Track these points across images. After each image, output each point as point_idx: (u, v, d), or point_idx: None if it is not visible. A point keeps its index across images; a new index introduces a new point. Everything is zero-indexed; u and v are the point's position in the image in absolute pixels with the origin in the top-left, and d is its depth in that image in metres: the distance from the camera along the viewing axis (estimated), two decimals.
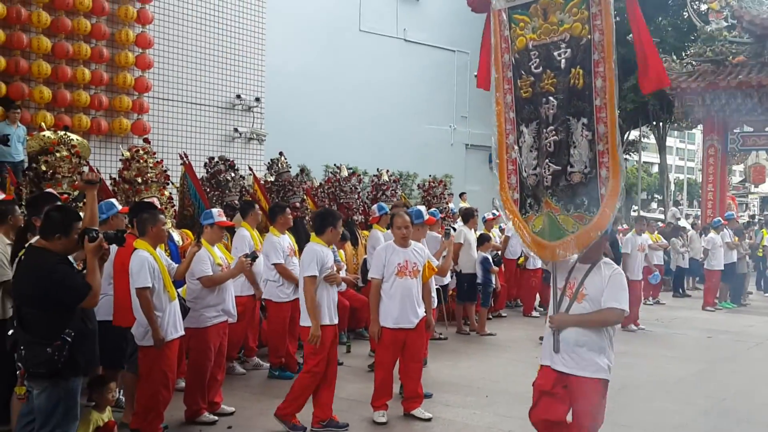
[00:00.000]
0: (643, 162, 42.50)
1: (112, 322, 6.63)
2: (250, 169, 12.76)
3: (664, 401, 8.12)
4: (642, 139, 37.53)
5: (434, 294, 8.24)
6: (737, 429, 7.29)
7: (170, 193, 9.44)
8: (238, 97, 17.16)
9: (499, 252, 13.36)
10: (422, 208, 8.79)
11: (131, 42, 14.61)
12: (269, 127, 17.85)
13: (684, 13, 26.95)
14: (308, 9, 21.39)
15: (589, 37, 4.67)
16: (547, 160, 4.95)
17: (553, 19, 4.85)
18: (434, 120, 25.80)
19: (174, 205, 9.63)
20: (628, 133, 32.84)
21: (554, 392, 4.96)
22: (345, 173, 12.66)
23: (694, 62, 22.32)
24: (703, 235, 17.61)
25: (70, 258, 4.85)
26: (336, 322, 6.91)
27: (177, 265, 6.73)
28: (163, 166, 9.23)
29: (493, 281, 12.30)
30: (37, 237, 4.90)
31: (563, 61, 4.81)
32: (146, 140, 10.31)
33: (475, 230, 12.73)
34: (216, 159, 10.66)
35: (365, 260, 10.72)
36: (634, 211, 35.17)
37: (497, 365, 9.74)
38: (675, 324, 14.03)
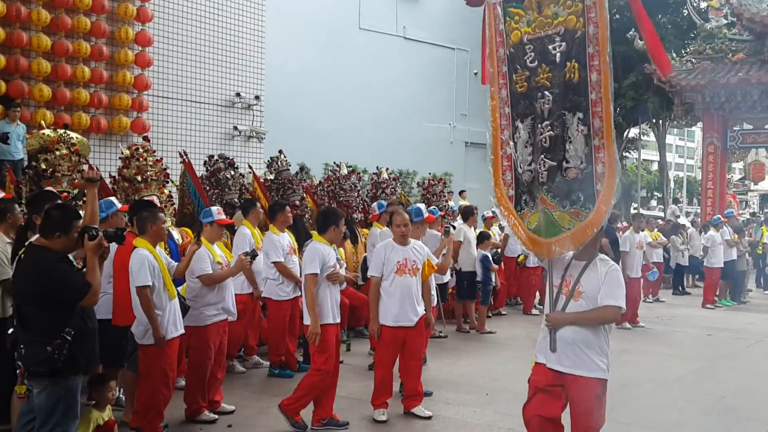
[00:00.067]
0: (643, 159, 42.52)
1: (112, 321, 6.63)
2: (250, 167, 12.76)
3: (664, 399, 8.12)
4: (641, 137, 37.52)
5: (434, 292, 8.24)
6: (737, 427, 7.29)
7: (170, 192, 9.43)
8: (238, 95, 17.16)
9: (499, 250, 13.36)
10: (422, 206, 8.80)
11: (131, 40, 14.61)
12: (269, 125, 17.85)
13: (684, 11, 26.96)
14: (308, 7, 21.39)
15: (584, 30, 4.62)
16: (542, 156, 4.89)
17: (548, 12, 4.79)
18: (434, 118, 25.80)
19: (174, 204, 9.62)
20: (627, 130, 32.82)
21: (550, 389, 4.89)
22: (344, 171, 12.66)
23: (693, 60, 22.33)
24: (703, 233, 17.61)
25: (70, 256, 4.84)
26: (339, 320, 6.91)
27: (177, 263, 6.72)
28: (162, 165, 9.22)
29: (493, 279, 12.30)
30: (36, 235, 4.90)
31: (558, 54, 4.75)
32: (146, 138, 10.34)
33: (475, 228, 12.73)
34: (216, 157, 10.64)
35: (365, 258, 10.72)
36: (634, 208, 35.16)
37: (497, 363, 9.74)
38: (675, 322, 14.03)
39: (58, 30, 13.43)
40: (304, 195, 11.63)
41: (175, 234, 8.71)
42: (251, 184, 11.37)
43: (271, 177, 11.50)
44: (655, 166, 53.47)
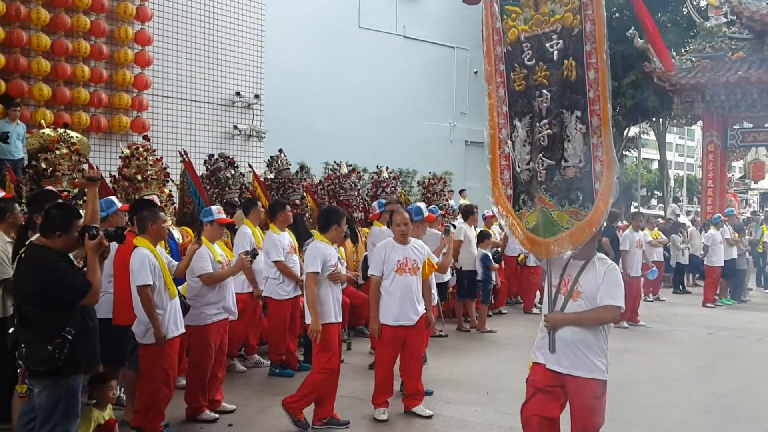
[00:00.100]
0: (643, 158, 42.54)
1: (112, 320, 6.62)
2: (250, 166, 12.76)
3: (664, 398, 8.12)
4: (642, 136, 37.57)
5: (434, 291, 8.23)
6: (738, 425, 7.28)
7: (170, 191, 9.43)
8: (238, 94, 17.17)
9: (499, 249, 13.36)
10: (422, 205, 8.79)
11: (130, 39, 14.62)
12: (269, 124, 17.86)
13: (683, 10, 26.96)
14: (308, 6, 21.40)
15: (581, 27, 4.56)
16: (540, 155, 4.84)
17: (545, 10, 4.74)
18: (434, 117, 25.81)
19: (174, 203, 9.62)
20: (627, 129, 32.86)
21: (549, 390, 4.85)
22: (345, 170, 12.65)
23: (693, 58, 22.32)
24: (703, 232, 17.61)
25: (71, 256, 4.84)
26: (340, 320, 6.92)
27: (177, 262, 6.72)
28: (162, 164, 9.22)
29: (494, 278, 12.29)
30: (37, 235, 4.90)
31: (555, 52, 4.70)
32: (146, 137, 10.33)
33: (475, 227, 12.73)
34: (216, 156, 10.65)
35: (365, 257, 10.71)
36: (635, 207, 35.16)
37: (498, 362, 9.74)
38: (675, 320, 14.03)
39: (57, 29, 13.43)
40: (305, 194, 11.63)
41: (176, 233, 8.71)
42: (251, 183, 11.37)
43: (272, 176, 11.50)
44: (655, 165, 53.50)
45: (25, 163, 9.85)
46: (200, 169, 10.66)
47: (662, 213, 31.67)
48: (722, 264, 16.22)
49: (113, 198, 7.31)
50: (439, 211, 11.23)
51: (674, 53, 22.90)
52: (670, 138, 50.34)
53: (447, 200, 14.40)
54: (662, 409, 7.69)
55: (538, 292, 14.07)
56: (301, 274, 8.62)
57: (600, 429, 4.88)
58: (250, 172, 11.89)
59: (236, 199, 10.31)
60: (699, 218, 22.10)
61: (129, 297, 6.24)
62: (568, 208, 4.71)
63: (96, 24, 13.97)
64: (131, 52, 14.64)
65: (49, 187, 7.49)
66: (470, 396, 8.00)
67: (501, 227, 13.94)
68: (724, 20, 22.70)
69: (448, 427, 6.92)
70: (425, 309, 7.23)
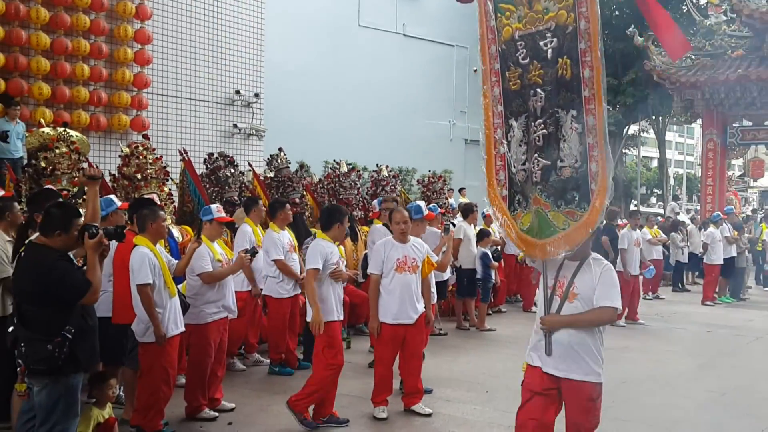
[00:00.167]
0: (642, 156, 42.56)
1: (112, 319, 6.62)
2: (250, 165, 12.77)
3: (664, 396, 8.13)
4: (641, 134, 37.57)
5: (433, 289, 8.23)
6: (737, 423, 7.29)
7: (170, 190, 9.43)
8: (237, 92, 17.17)
9: (499, 247, 13.36)
10: (422, 203, 8.79)
11: (130, 38, 14.62)
12: (268, 123, 17.86)
13: (683, 7, 26.96)
14: (307, 4, 21.41)
15: (575, 25, 4.49)
16: (536, 155, 4.76)
17: (538, 7, 4.67)
18: (433, 115, 25.80)
19: (173, 202, 9.62)
20: (627, 127, 32.86)
21: (546, 393, 4.78)
22: (344, 169, 12.66)
23: (693, 56, 22.30)
24: (703, 230, 17.61)
25: (70, 254, 4.84)
26: (342, 318, 6.92)
27: (177, 261, 6.73)
28: (162, 162, 9.22)
29: (493, 276, 12.29)
30: (36, 234, 4.90)
31: (550, 51, 4.63)
32: (145, 136, 10.33)
33: (475, 226, 12.73)
34: (215, 155, 10.65)
35: (365, 255, 10.72)
36: (634, 205, 35.18)
37: (497, 360, 9.75)
38: (674, 319, 14.04)
39: (57, 28, 13.44)
40: (304, 193, 11.63)
41: (175, 232, 8.71)
42: (251, 181, 11.37)
43: (271, 175, 11.50)
44: (654, 163, 53.45)
45: (25, 162, 9.84)
46: (200, 168, 10.66)
47: (662, 211, 31.69)
48: (721, 262, 16.22)
49: (112, 197, 7.31)
50: (439, 210, 11.23)
51: None
52: (669, 136, 50.34)
53: (447, 199, 14.40)
54: (662, 407, 7.70)
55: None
56: (302, 273, 8.65)
57: (595, 430, 4.86)
58: (249, 170, 11.90)
59: (236, 198, 10.31)
60: (698, 216, 22.12)
61: (128, 296, 6.25)
62: (564, 209, 4.65)
63: (95, 23, 13.97)
64: (131, 51, 14.64)
65: (49, 186, 7.49)
66: (470, 394, 8.01)
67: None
68: (724, 18, 22.70)
69: (448, 425, 6.93)
70: (425, 307, 7.23)
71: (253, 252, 7.20)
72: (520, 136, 4.91)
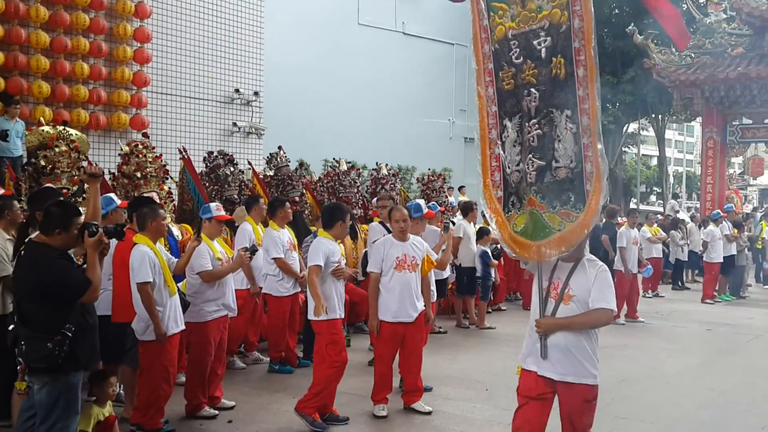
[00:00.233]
0: (642, 155, 42.57)
1: (111, 318, 6.62)
2: (249, 163, 12.77)
3: (663, 394, 8.13)
4: (641, 132, 37.56)
5: (433, 288, 8.23)
6: (737, 421, 7.29)
7: (169, 188, 9.43)
8: (237, 91, 17.16)
9: (499, 246, 13.34)
10: (421, 201, 8.79)
11: (129, 36, 14.62)
12: (268, 121, 17.86)
13: (683, 5, 26.94)
14: (307, 2, 21.41)
15: (569, 23, 4.42)
16: (530, 156, 4.70)
17: (532, 6, 4.57)
18: (433, 113, 25.81)
19: (173, 200, 9.62)
20: (627, 125, 32.85)
21: (542, 397, 4.71)
22: (344, 167, 12.66)
23: (692, 54, 22.30)
24: (702, 228, 17.61)
25: (70, 253, 4.85)
26: (343, 316, 6.91)
27: (177, 259, 6.73)
28: (162, 161, 9.22)
29: (493, 275, 12.29)
30: (36, 232, 4.90)
31: (543, 50, 4.56)
32: (145, 135, 10.33)
33: (475, 224, 12.72)
34: (215, 153, 10.65)
35: (365, 253, 10.72)
36: (634, 204, 35.20)
37: (497, 358, 9.75)
38: (674, 317, 14.04)
39: (56, 27, 13.43)
40: (304, 191, 11.63)
41: (175, 230, 8.71)
42: (251, 180, 11.37)
43: (271, 173, 11.50)
44: (654, 161, 53.47)
45: (25, 160, 9.85)
46: (199, 166, 10.66)
47: (661, 209, 31.68)
48: (721, 260, 16.21)
49: (112, 195, 7.32)
50: (439, 208, 11.23)
51: (673, 50, 22.84)
52: (669, 134, 50.32)
53: (446, 197, 14.39)
54: (661, 405, 7.70)
55: None
56: (301, 271, 8.66)
57: (589, 430, 4.82)
58: (249, 169, 11.90)
59: (235, 196, 10.32)
60: (698, 214, 22.12)
61: (128, 294, 6.25)
62: (559, 210, 4.58)
63: (95, 21, 13.96)
64: (130, 50, 14.64)
65: (49, 185, 7.49)
66: (469, 392, 8.02)
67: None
68: (724, 16, 22.69)
69: (448, 423, 6.94)
70: (424, 306, 7.24)
71: (253, 250, 7.20)
72: (515, 137, 4.85)
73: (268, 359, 8.91)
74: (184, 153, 10.33)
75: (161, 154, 9.41)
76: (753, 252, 19.55)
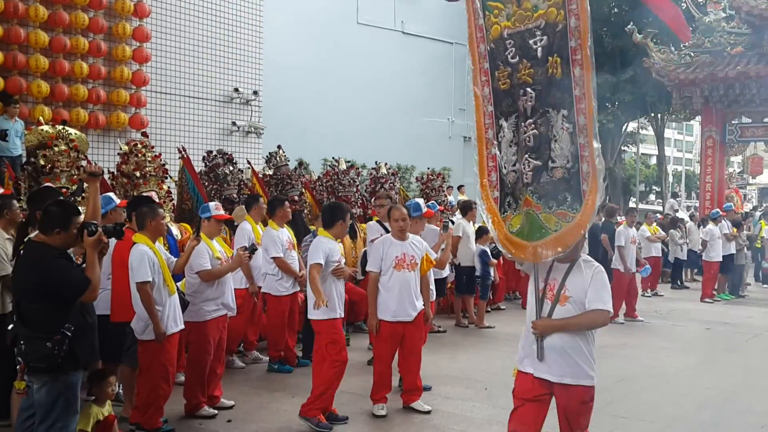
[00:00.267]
0: (642, 154, 42.59)
1: (110, 317, 6.62)
2: (249, 162, 12.77)
3: (662, 393, 8.14)
4: (640, 131, 37.58)
5: (432, 287, 8.23)
6: (736, 420, 7.29)
7: (168, 187, 9.43)
8: (236, 90, 17.15)
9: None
10: (420, 200, 8.79)
11: (128, 36, 14.62)
12: (267, 121, 17.85)
13: (682, 4, 26.95)
14: (306, 2, 21.41)
15: (565, 22, 4.37)
16: (526, 156, 4.65)
17: (527, 5, 4.54)
18: (432, 112, 25.81)
19: (172, 199, 9.62)
20: (626, 124, 32.87)
21: (539, 399, 4.68)
22: (343, 166, 12.65)
23: (692, 53, 22.33)
24: (702, 227, 17.62)
25: (69, 252, 4.85)
26: (343, 315, 6.91)
27: (176, 259, 6.73)
28: (161, 160, 9.22)
29: (492, 274, 12.30)
30: (36, 231, 4.90)
31: (539, 49, 4.52)
32: (144, 134, 10.32)
33: (474, 223, 12.72)
34: (214, 153, 10.65)
35: (365, 252, 10.73)
36: (633, 202, 35.22)
37: (496, 358, 9.75)
38: (673, 316, 14.04)
39: (55, 26, 13.43)
40: (303, 190, 11.63)
41: (174, 230, 8.71)
42: (250, 179, 11.37)
43: (270, 172, 11.50)
44: (653, 160, 53.52)
45: (24, 160, 9.85)
46: (199, 166, 10.66)
47: (661, 208, 31.69)
48: (720, 259, 16.21)
49: (111, 194, 7.32)
50: (438, 207, 11.23)
51: (673, 48, 22.87)
52: (668, 133, 50.35)
53: (445, 196, 14.39)
54: (661, 404, 7.71)
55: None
56: (300, 270, 8.66)
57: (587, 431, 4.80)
58: (248, 168, 11.90)
59: (235, 196, 10.32)
60: (697, 213, 22.12)
61: (127, 294, 6.25)
62: (556, 210, 4.53)
63: (94, 21, 13.96)
64: (129, 49, 14.64)
65: (48, 184, 7.49)
66: (469, 391, 8.02)
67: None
68: (723, 15, 22.72)
69: (447, 422, 6.94)
70: (423, 305, 7.23)
71: (252, 249, 7.20)
72: (511, 137, 4.81)
73: (268, 358, 8.91)
74: (183, 152, 10.33)
75: (160, 154, 9.41)
76: (752, 251, 19.56)
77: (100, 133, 14.34)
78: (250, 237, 8.65)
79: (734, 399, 8.04)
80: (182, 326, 6.48)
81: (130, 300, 6.23)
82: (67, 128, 8.78)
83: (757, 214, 24.23)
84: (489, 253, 12.19)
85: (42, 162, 8.21)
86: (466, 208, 12.56)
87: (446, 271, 11.01)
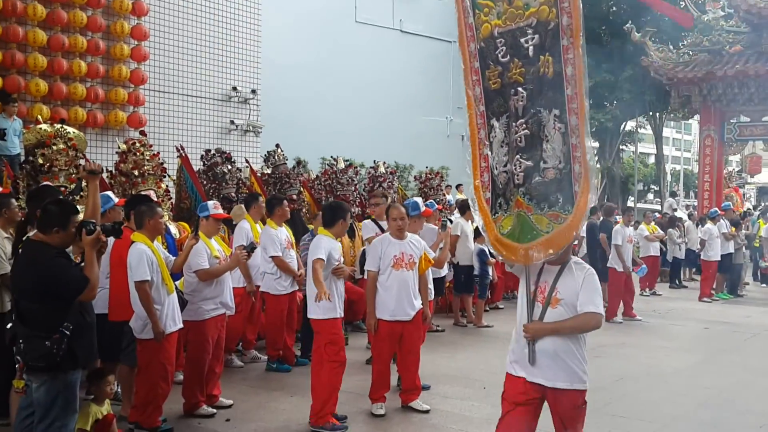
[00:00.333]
0: (640, 152, 42.58)
1: (108, 316, 6.62)
2: (247, 161, 12.76)
3: (661, 392, 8.14)
4: (638, 130, 37.58)
5: (431, 286, 8.22)
6: (735, 420, 7.29)
7: (167, 186, 9.43)
8: (235, 89, 17.14)
9: None
10: (419, 199, 8.79)
11: (127, 34, 14.60)
12: (265, 119, 17.85)
13: (681, 3, 26.97)
14: (304, 0, 21.37)
15: (557, 21, 4.28)
16: (517, 156, 4.56)
17: (519, 3, 4.44)
18: (431, 111, 25.81)
19: (171, 198, 9.62)
20: (624, 123, 32.88)
21: (529, 403, 4.60)
22: (341, 165, 12.65)
23: (690, 52, 22.34)
24: (700, 226, 17.63)
25: (68, 251, 4.84)
26: (343, 315, 6.90)
27: (174, 258, 6.73)
28: (159, 159, 9.22)
29: (490, 273, 12.29)
30: (35, 230, 4.90)
31: (531, 48, 4.42)
32: (142, 133, 10.32)
33: (472, 222, 12.70)
34: (212, 151, 10.65)
35: (363, 252, 10.72)
36: (631, 202, 35.24)
37: (494, 357, 9.73)
38: (672, 315, 14.05)
39: (54, 24, 13.42)
40: (302, 189, 11.63)
41: (173, 228, 8.71)
42: (248, 178, 11.37)
43: (268, 171, 11.49)
44: (652, 159, 53.50)
45: (22, 158, 9.83)
46: (197, 165, 10.65)
47: (659, 207, 31.69)
48: (719, 258, 16.23)
49: (110, 193, 7.31)
50: (436, 206, 11.24)
51: (671, 47, 22.88)
52: (667, 132, 50.41)
53: (444, 195, 14.40)
54: (660, 403, 7.71)
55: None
56: (299, 269, 8.66)
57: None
58: (247, 167, 11.89)
59: (233, 195, 10.32)
60: (696, 212, 22.13)
61: (125, 293, 6.25)
62: (547, 211, 4.44)
63: (92, 19, 13.95)
64: (127, 48, 14.62)
65: (47, 183, 7.49)
66: (467, 391, 8.02)
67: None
68: (722, 13, 22.71)
69: (446, 421, 6.94)
70: (422, 304, 7.23)
71: (251, 247, 7.20)
72: (502, 137, 4.72)
73: (266, 358, 8.90)
74: (181, 151, 10.32)
75: (159, 152, 9.41)
76: (750, 250, 19.57)
77: (99, 132, 14.33)
78: (248, 236, 8.64)
79: (733, 398, 8.04)
80: (181, 325, 6.47)
81: (128, 299, 6.22)
82: (65, 127, 8.78)
83: (756, 213, 24.26)
84: (487, 252, 12.16)
85: (40, 161, 8.20)
86: (465, 207, 12.55)
87: (445, 270, 11.01)
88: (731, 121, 22.86)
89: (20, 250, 4.88)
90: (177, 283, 6.70)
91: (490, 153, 4.82)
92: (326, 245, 6.66)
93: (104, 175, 9.14)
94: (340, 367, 6.66)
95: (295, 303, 8.88)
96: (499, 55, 4.64)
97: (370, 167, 13.64)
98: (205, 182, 10.13)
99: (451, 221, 11.54)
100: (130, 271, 6.13)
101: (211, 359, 6.94)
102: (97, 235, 4.73)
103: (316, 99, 21.31)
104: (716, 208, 17.92)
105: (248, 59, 17.52)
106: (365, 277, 7.46)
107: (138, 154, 8.92)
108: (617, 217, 14.73)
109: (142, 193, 8.14)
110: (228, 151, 11.06)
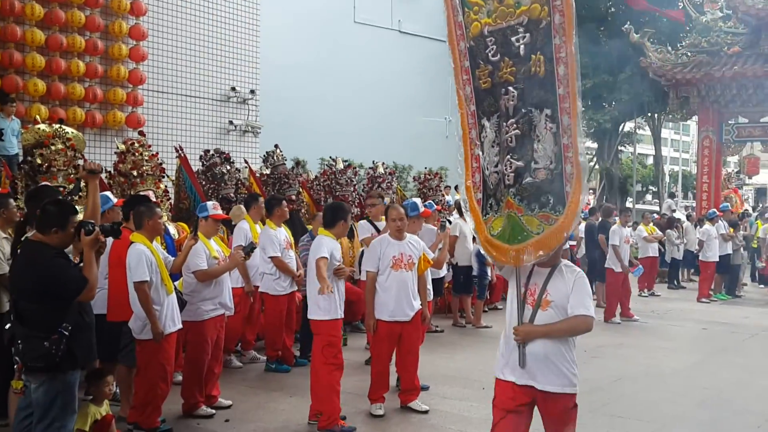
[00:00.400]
0: (638, 153, 42.58)
1: (107, 317, 6.61)
2: (246, 161, 12.75)
3: (659, 392, 8.14)
4: (637, 131, 37.57)
5: (430, 287, 8.22)
6: (733, 420, 7.30)
7: (166, 186, 9.42)
8: (233, 89, 17.13)
9: None
10: (418, 200, 8.79)
11: (125, 34, 14.58)
12: (264, 120, 17.84)
13: (679, 4, 26.97)
14: (303, 1, 21.37)
15: (549, 19, 4.21)
16: (508, 156, 4.50)
17: (509, 1, 4.37)
18: (429, 112, 25.79)
19: (170, 198, 9.62)
20: (623, 124, 32.88)
21: (521, 409, 4.59)
22: (340, 166, 12.65)
23: (689, 53, 22.32)
24: (698, 227, 17.62)
25: (67, 251, 4.84)
26: (343, 315, 6.89)
27: (173, 258, 6.72)
28: (158, 159, 9.21)
29: (489, 273, 12.28)
30: (33, 231, 4.89)
31: (522, 47, 4.35)
32: (141, 133, 10.31)
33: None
34: (211, 152, 10.64)
35: (362, 252, 10.72)
36: (630, 203, 35.24)
37: (493, 357, 9.55)
38: (670, 315, 14.05)
39: (52, 24, 13.40)
40: (300, 190, 11.62)
41: (171, 229, 8.71)
42: (247, 178, 11.36)
43: (267, 171, 11.49)
44: (650, 160, 53.43)
45: (21, 159, 9.82)
46: (196, 165, 10.64)
47: (657, 208, 31.70)
48: (717, 259, 16.24)
49: (108, 193, 7.32)
50: (435, 207, 11.24)
51: (670, 48, 22.86)
52: (665, 133, 50.41)
53: (443, 195, 14.40)
54: (658, 403, 7.71)
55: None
56: (298, 270, 8.66)
57: None
58: (245, 167, 11.88)
59: (232, 195, 10.31)
60: (694, 213, 22.12)
61: (124, 293, 6.25)
62: (538, 213, 4.38)
63: (90, 19, 13.93)
64: (126, 48, 14.61)
65: (45, 183, 7.48)
66: (466, 391, 8.02)
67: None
68: (720, 15, 22.70)
69: (445, 422, 6.94)
70: (421, 305, 7.23)
71: (251, 248, 7.20)
72: (493, 137, 4.67)
73: (265, 358, 8.90)
74: (180, 151, 10.31)
75: (157, 153, 9.40)
76: (749, 251, 19.57)
77: (97, 132, 14.32)
78: (247, 236, 8.64)
79: (731, 399, 8.05)
80: (180, 326, 6.47)
81: (127, 299, 6.22)
82: (63, 127, 8.76)
83: (754, 214, 24.27)
84: None
85: (39, 161, 8.19)
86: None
87: (443, 271, 11.02)
88: (729, 122, 22.83)
89: (19, 251, 4.87)
90: (176, 283, 6.70)
91: (481, 153, 4.78)
92: (328, 245, 6.66)
93: (103, 175, 9.13)
94: (338, 370, 6.66)
95: (294, 303, 8.88)
96: (490, 54, 4.59)
97: (369, 168, 13.64)
98: (203, 182, 10.12)
99: (449, 222, 11.58)
100: (129, 272, 6.13)
101: (210, 360, 6.95)
102: (95, 235, 4.73)
103: (315, 99, 21.29)
104: (714, 209, 17.93)
105: (247, 59, 17.51)
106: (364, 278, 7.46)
107: (137, 154, 8.91)
108: (616, 218, 14.71)
109: (141, 193, 8.13)
110: (227, 152, 11.05)
